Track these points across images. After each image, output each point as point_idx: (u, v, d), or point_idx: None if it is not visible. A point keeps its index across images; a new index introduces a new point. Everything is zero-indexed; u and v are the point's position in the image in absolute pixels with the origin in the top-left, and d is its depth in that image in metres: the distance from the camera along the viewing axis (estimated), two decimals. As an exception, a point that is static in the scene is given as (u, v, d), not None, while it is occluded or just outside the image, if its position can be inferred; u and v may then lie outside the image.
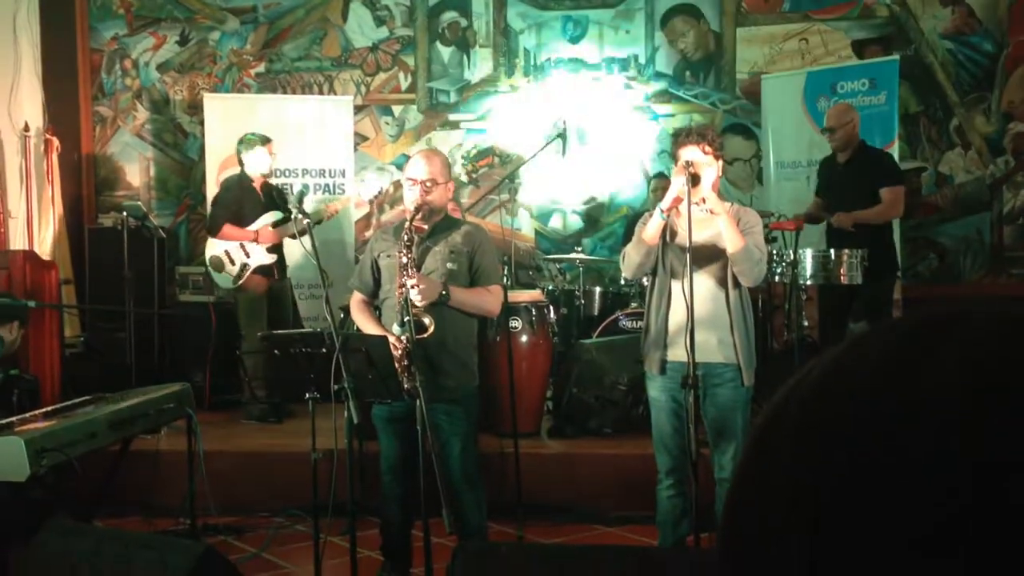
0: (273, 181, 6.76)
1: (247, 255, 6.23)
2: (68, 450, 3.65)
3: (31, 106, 7.91)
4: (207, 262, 6.35)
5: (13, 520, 3.84)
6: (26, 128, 7.72)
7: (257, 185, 6.33)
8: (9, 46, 7.69)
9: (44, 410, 4.24)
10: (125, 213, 6.71)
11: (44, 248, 7.45)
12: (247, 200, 6.31)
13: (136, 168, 8.24)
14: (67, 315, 6.96)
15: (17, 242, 7.48)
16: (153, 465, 5.25)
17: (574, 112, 7.86)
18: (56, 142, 7.79)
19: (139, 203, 6.32)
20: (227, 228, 6.24)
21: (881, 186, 5.74)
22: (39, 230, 7.59)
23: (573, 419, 5.66)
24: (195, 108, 8.06)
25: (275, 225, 6.24)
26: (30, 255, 6.78)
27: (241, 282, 6.25)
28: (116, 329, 6.72)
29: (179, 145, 8.24)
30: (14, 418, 3.99)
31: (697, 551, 3.66)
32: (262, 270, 6.26)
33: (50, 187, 7.70)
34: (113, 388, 5.19)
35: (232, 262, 6.25)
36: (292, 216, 4.13)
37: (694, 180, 3.69)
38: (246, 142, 6.27)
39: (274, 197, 6.40)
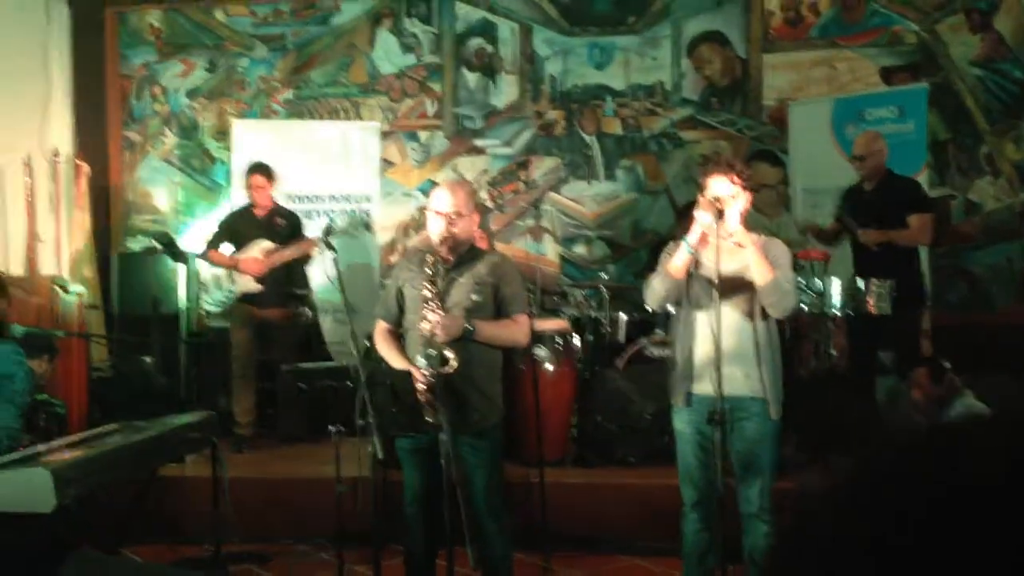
0: (295, 206, 6.81)
1: (233, 282, 6.25)
2: (93, 481, 3.66)
3: (61, 132, 7.98)
4: (200, 284, 6.42)
5: (37, 552, 3.85)
6: (56, 154, 7.80)
7: (260, 212, 6.35)
8: (40, 72, 7.78)
9: (70, 439, 4.26)
10: (152, 240, 6.78)
11: (74, 274, 7.50)
12: (241, 227, 6.36)
13: (164, 192, 8.32)
14: (94, 341, 7.01)
15: (47, 267, 7.54)
16: (179, 491, 5.26)
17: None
18: (86, 167, 7.86)
19: (166, 229, 6.38)
20: (213, 253, 6.33)
21: (909, 213, 5.70)
22: (68, 255, 7.65)
23: (598, 448, 5.63)
24: (223, 134, 8.12)
25: (268, 254, 6.24)
26: (59, 281, 6.86)
27: (224, 308, 6.29)
28: (143, 354, 6.76)
29: (207, 170, 8.30)
30: (40, 447, 4.01)
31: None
32: (247, 298, 6.26)
33: (79, 212, 7.76)
34: (139, 412, 5.22)
35: (219, 287, 6.29)
36: (319, 250, 4.13)
37: (720, 215, 3.67)
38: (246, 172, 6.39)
39: (274, 226, 6.37)
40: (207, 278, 6.34)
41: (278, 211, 6.47)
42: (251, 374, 6.29)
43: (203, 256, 6.41)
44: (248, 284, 6.22)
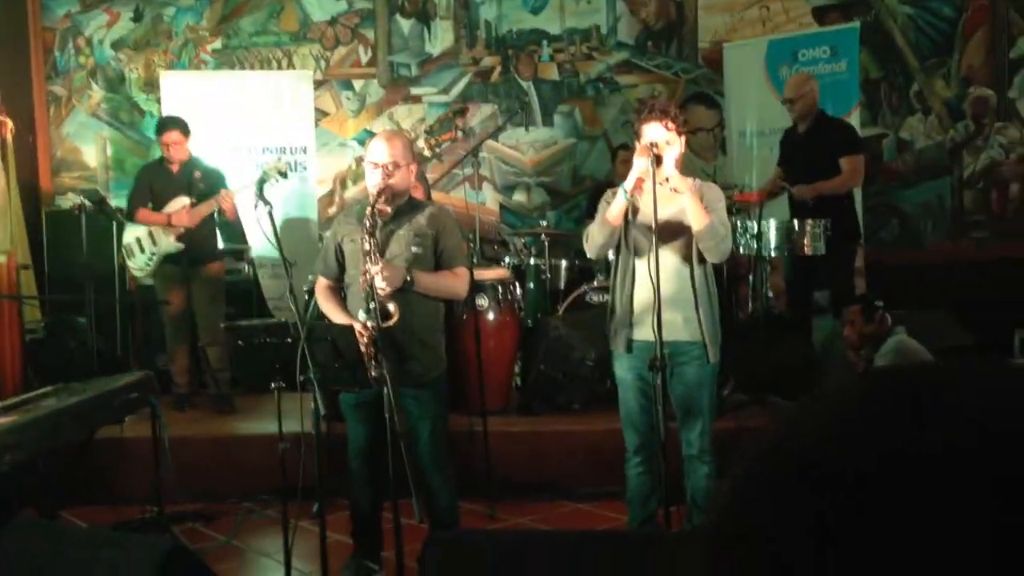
0: (228, 159, 6.66)
1: (154, 243, 6.12)
2: (31, 446, 3.61)
3: (-18, 87, 7.74)
4: (122, 248, 6.23)
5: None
6: (-23, 110, 7.56)
7: (175, 168, 6.17)
8: (-43, 26, 7.52)
9: (4, 403, 4.19)
10: (82, 198, 6.60)
11: (2, 234, 7.31)
12: (157, 183, 6.18)
13: (93, 148, 8.11)
14: (26, 302, 6.87)
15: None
16: (118, 453, 5.20)
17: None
18: (9, 123, 7.61)
19: (96, 187, 6.21)
20: (141, 212, 6.13)
21: (841, 155, 5.77)
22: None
23: (541, 396, 5.67)
24: (151, 86, 7.92)
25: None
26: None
27: (150, 270, 6.16)
28: (77, 314, 6.63)
29: (136, 124, 8.10)
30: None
31: (669, 534, 3.69)
32: (170, 258, 6.14)
33: (4, 169, 7.55)
34: (75, 373, 5.14)
35: (142, 250, 6.14)
36: (253, 204, 4.04)
37: (657, 160, 3.67)
38: (157, 127, 6.22)
39: (192, 181, 6.12)
40: (129, 242, 6.14)
41: (195, 165, 6.21)
42: (184, 334, 6.19)
43: (130, 217, 6.20)
44: (170, 244, 6.06)
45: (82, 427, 4.09)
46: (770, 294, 6.04)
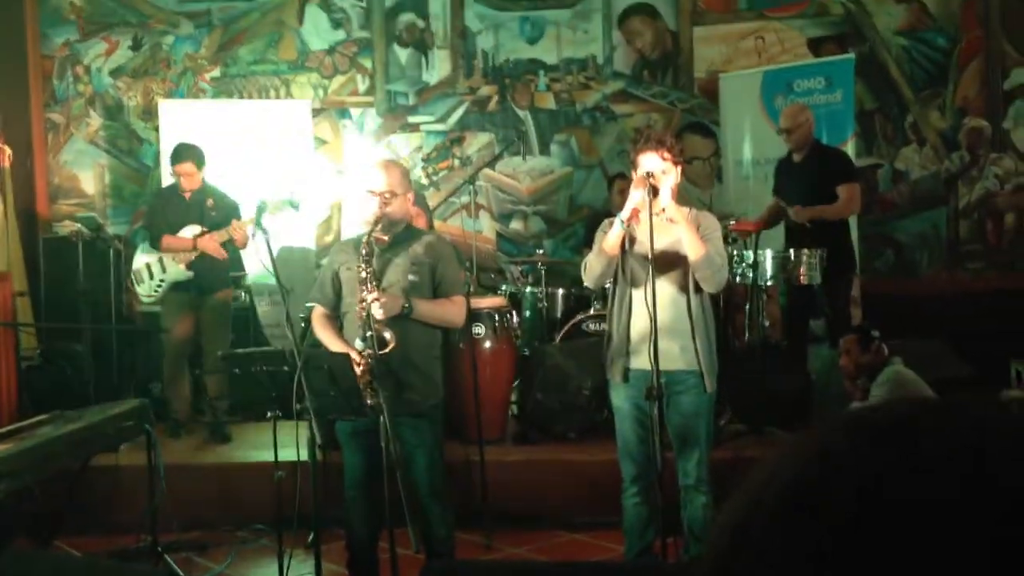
0: (225, 188, 6.66)
1: (163, 270, 6.11)
2: (26, 474, 3.60)
3: (-19, 114, 7.76)
4: (131, 274, 6.22)
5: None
6: (-24, 137, 7.58)
7: (187, 196, 6.15)
8: (-43, 53, 7.56)
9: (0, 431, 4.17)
10: (80, 225, 6.61)
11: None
12: (168, 210, 6.17)
13: (91, 176, 8.11)
14: (23, 329, 6.85)
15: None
16: (113, 481, 5.17)
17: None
18: (8, 150, 7.63)
19: (94, 214, 6.22)
20: (166, 239, 6.11)
21: (837, 184, 5.80)
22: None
23: (538, 425, 5.66)
24: (150, 114, 7.95)
25: (196, 238, 6.08)
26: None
27: (158, 296, 6.14)
28: (73, 341, 6.63)
29: (134, 152, 8.12)
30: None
31: (666, 565, 3.68)
32: (178, 286, 6.13)
33: (2, 196, 7.55)
34: (71, 401, 5.13)
35: (151, 276, 6.13)
36: (251, 232, 4.06)
37: (653, 191, 3.69)
38: (172, 156, 6.18)
39: (204, 209, 6.15)
40: (139, 267, 6.13)
41: (207, 193, 6.23)
42: (184, 362, 6.18)
43: (154, 244, 6.16)
44: (179, 272, 6.05)
45: (77, 455, 4.08)
46: (766, 323, 6.05)
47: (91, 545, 4.79)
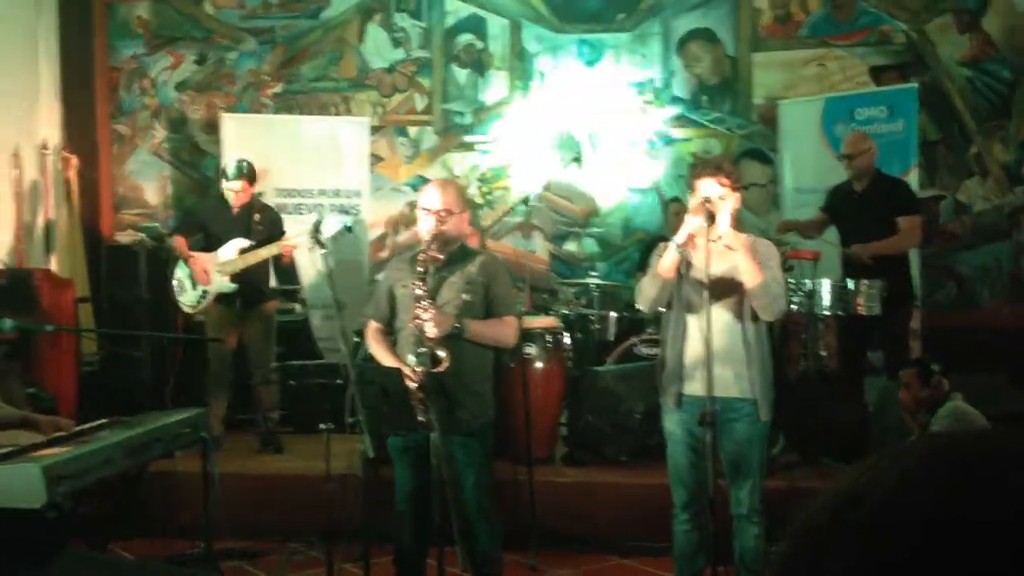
0: (284, 201, 6.74)
1: (208, 281, 6.17)
2: (85, 477, 3.64)
3: (50, 124, 7.95)
4: (174, 283, 6.25)
5: (25, 549, 3.84)
6: (44, 146, 7.77)
7: (235, 210, 6.23)
8: (29, 63, 7.75)
9: (59, 434, 4.24)
10: (142, 235, 6.74)
11: (62, 267, 7.48)
12: (214, 222, 6.24)
13: (154, 186, 8.28)
14: (84, 335, 6.99)
15: (35, 260, 7.51)
16: (169, 486, 5.24)
17: (588, 128, 7.93)
18: (74, 160, 7.82)
19: (156, 224, 6.33)
20: (178, 239, 6.18)
21: (898, 215, 5.73)
22: (56, 248, 7.62)
23: (588, 446, 5.64)
24: (212, 127, 8.08)
25: (243, 252, 6.16)
26: (48, 273, 6.83)
27: (199, 309, 6.19)
28: (133, 348, 6.74)
29: (196, 164, 8.27)
30: (28, 443, 3.99)
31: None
32: (223, 298, 6.17)
33: (68, 205, 7.74)
34: (128, 407, 5.20)
35: (193, 287, 6.18)
36: (309, 247, 4.11)
37: (710, 217, 3.68)
38: (226, 172, 6.26)
39: (251, 224, 6.22)
40: (181, 276, 6.19)
41: (256, 207, 6.30)
42: (225, 380, 6.22)
43: (168, 236, 6.31)
44: (224, 284, 6.10)
45: (134, 460, 4.12)
46: (823, 353, 5.97)
47: (145, 549, 4.85)
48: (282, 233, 6.18)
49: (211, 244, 6.18)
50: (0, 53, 7.38)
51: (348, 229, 5.50)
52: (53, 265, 7.44)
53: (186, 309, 6.21)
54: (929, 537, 0.53)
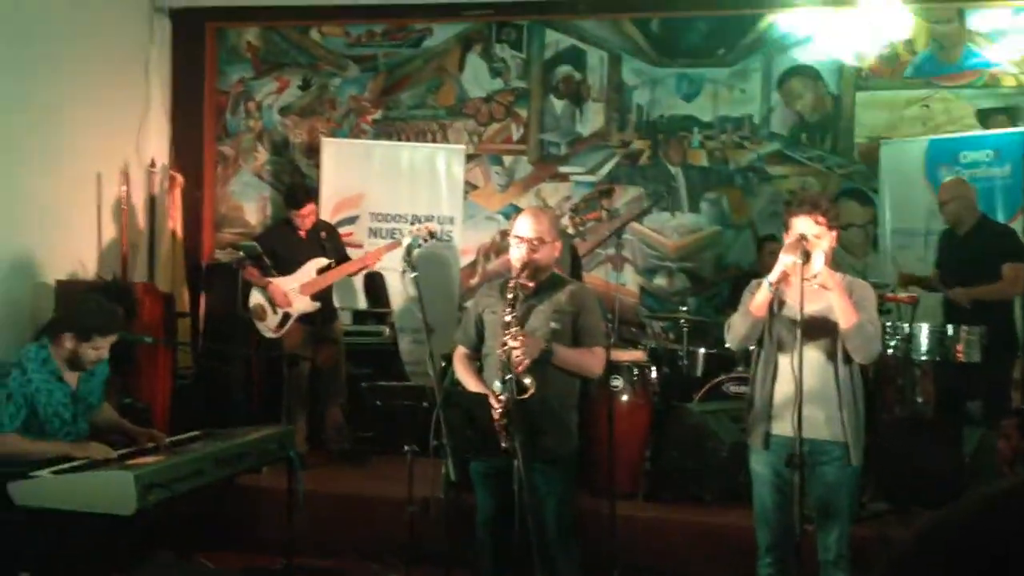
0: (379, 225, 6.87)
1: (289, 304, 6.27)
2: (175, 486, 3.74)
3: (158, 143, 8.24)
4: (250, 310, 6.35)
5: (117, 553, 3.94)
6: (152, 164, 8.04)
7: (303, 233, 6.41)
8: (141, 85, 8.05)
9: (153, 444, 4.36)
10: (241, 252, 6.90)
11: (163, 281, 7.71)
12: (283, 247, 6.39)
13: (253, 207, 8.49)
14: (180, 348, 7.17)
15: (138, 274, 7.76)
16: (254, 501, 5.34)
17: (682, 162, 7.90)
18: (180, 179, 8.08)
19: (254, 243, 6.49)
20: (250, 270, 6.31)
21: (1002, 262, 5.57)
22: (159, 263, 7.86)
23: (672, 483, 5.56)
24: (313, 151, 8.27)
25: (320, 271, 6.29)
26: (149, 287, 7.04)
27: (282, 332, 6.28)
28: (226, 363, 6.89)
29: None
30: (124, 451, 4.11)
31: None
32: (305, 318, 6.29)
33: (172, 222, 7.98)
34: (218, 421, 5.32)
35: (274, 311, 6.29)
36: (401, 270, 4.17)
37: (805, 256, 3.61)
38: (294, 199, 6.42)
39: (323, 242, 6.42)
40: (258, 302, 6.30)
41: (320, 227, 6.53)
42: (306, 398, 6.33)
43: (239, 268, 6.45)
44: (307, 304, 6.25)
45: (223, 473, 4.21)
46: (919, 399, 5.81)
47: (228, 561, 4.93)
48: (343, 247, 6.40)
49: (281, 269, 6.32)
50: (114, 74, 7.68)
51: (432, 235, 5.61)
52: (155, 280, 7.67)
53: (268, 334, 6.32)
54: (997, 568, 0.55)
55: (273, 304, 6.25)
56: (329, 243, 6.44)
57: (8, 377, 4.08)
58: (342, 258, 6.47)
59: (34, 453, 3.89)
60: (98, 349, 4.19)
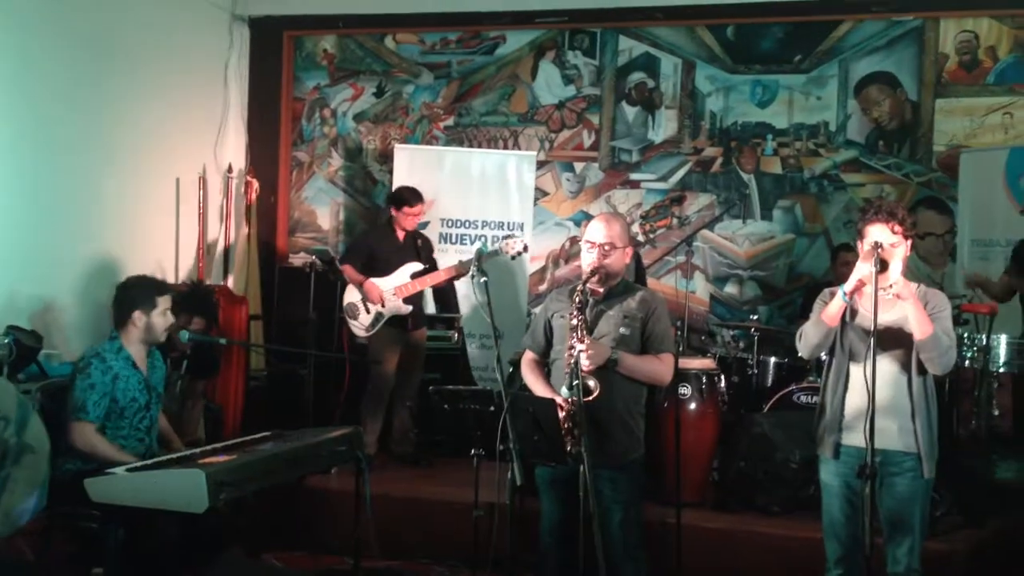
0: (450, 231, 6.93)
1: (383, 304, 6.33)
2: (245, 485, 3.79)
3: (236, 148, 8.41)
4: (343, 308, 6.45)
5: (187, 551, 4.02)
6: (229, 169, 8.21)
7: (401, 235, 6.48)
8: (220, 92, 8.23)
9: (226, 443, 4.44)
10: (313, 257, 7.02)
11: (238, 285, 7.86)
12: (382, 248, 6.45)
13: (327, 212, 8.61)
14: (253, 350, 7.31)
15: (214, 277, 7.93)
16: (323, 503, 5.41)
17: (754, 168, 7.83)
18: (255, 184, 8.24)
19: (327, 248, 6.59)
20: (347, 267, 6.39)
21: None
22: (234, 266, 8.02)
23: (739, 493, 5.50)
24: (385, 157, 8.36)
25: (414, 276, 6.34)
26: (224, 290, 7.19)
27: (374, 332, 6.35)
28: (298, 365, 7.00)
29: (368, 192, 8.56)
30: (197, 449, 4.19)
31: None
32: (395, 321, 6.35)
33: (247, 226, 8.14)
34: (290, 421, 5.41)
35: (367, 310, 6.36)
36: (463, 271, 4.20)
37: (883, 265, 3.55)
38: (405, 198, 6.47)
39: (418, 248, 6.51)
40: (353, 301, 6.41)
41: (416, 233, 6.61)
42: (383, 400, 6.40)
43: (339, 264, 6.57)
44: (399, 306, 6.32)
45: (292, 473, 4.27)
46: (996, 412, 5.66)
47: (296, 561, 5.00)
48: (429, 260, 6.52)
49: (377, 269, 6.38)
50: (194, 81, 7.86)
51: (519, 254, 5.65)
52: (230, 283, 7.82)
53: (360, 333, 6.39)
54: None
55: (367, 303, 6.33)
56: (422, 251, 6.52)
57: (89, 367, 4.23)
58: (432, 267, 6.55)
59: (116, 461, 4.02)
60: (164, 314, 4.41)
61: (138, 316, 4.35)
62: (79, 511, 3.93)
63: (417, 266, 6.40)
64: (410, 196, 6.48)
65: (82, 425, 4.15)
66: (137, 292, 4.43)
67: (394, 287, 6.32)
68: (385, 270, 6.38)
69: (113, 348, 4.34)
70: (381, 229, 6.76)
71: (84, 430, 4.15)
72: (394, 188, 6.96)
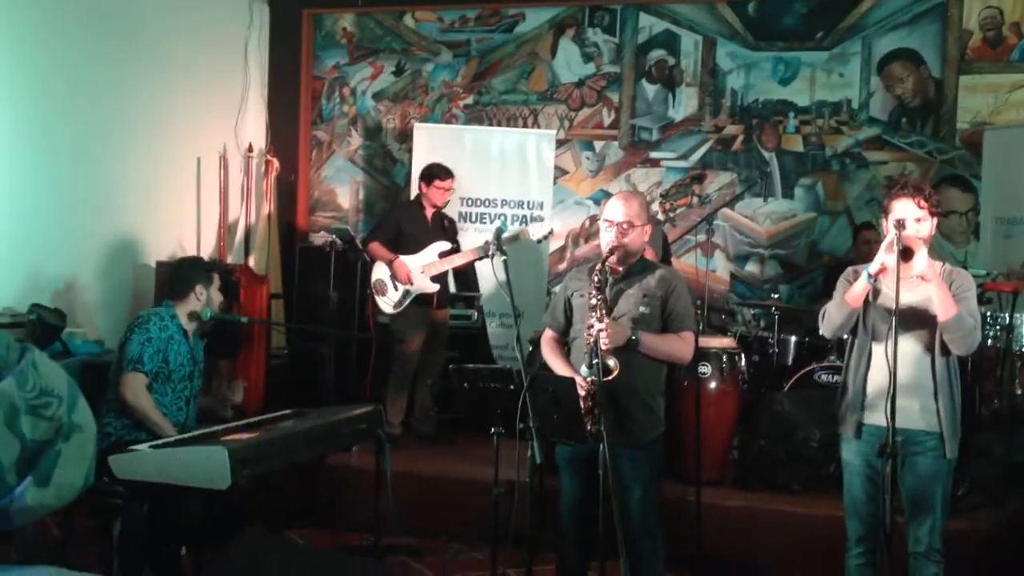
0: (469, 209, 6.91)
1: (411, 282, 6.33)
2: (267, 462, 3.82)
3: (256, 128, 8.43)
4: (371, 285, 6.45)
5: (210, 526, 4.06)
6: (250, 149, 8.23)
7: (428, 213, 6.48)
8: (239, 71, 8.23)
9: (247, 421, 4.47)
10: (334, 236, 7.02)
11: (259, 264, 7.89)
12: (409, 225, 6.45)
13: (346, 191, 8.63)
14: (275, 328, 7.34)
15: (235, 256, 7.96)
16: (343, 481, 5.44)
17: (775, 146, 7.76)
18: (276, 163, 8.25)
19: (347, 227, 6.60)
20: (375, 245, 6.38)
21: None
22: (255, 246, 8.05)
23: (759, 472, 5.49)
24: (405, 136, 8.36)
25: (442, 255, 6.34)
26: (245, 269, 7.22)
27: (401, 309, 6.35)
28: (319, 344, 7.02)
29: (388, 171, 8.56)
30: (219, 427, 4.22)
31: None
32: (419, 299, 6.35)
33: (267, 205, 8.16)
34: (311, 399, 5.44)
35: (395, 288, 6.36)
36: (488, 253, 4.20)
37: (906, 255, 3.51)
38: (436, 172, 6.46)
39: (445, 227, 6.52)
40: (381, 277, 6.41)
41: (442, 213, 6.60)
42: (408, 378, 6.42)
43: (364, 242, 6.57)
44: (427, 284, 6.32)
45: (313, 451, 4.29)
46: (1019, 391, 5.62)
47: (316, 538, 5.04)
48: (455, 239, 6.51)
49: (404, 247, 6.38)
50: (214, 60, 7.87)
51: (538, 241, 5.64)
52: (251, 262, 7.86)
53: (388, 310, 6.38)
54: None
55: (395, 280, 6.34)
56: (448, 231, 6.54)
57: (148, 323, 4.39)
58: (457, 248, 6.54)
59: (155, 423, 4.24)
60: (219, 290, 4.66)
61: (200, 290, 4.54)
62: (103, 487, 3.97)
63: (445, 245, 6.39)
64: (440, 171, 6.48)
65: (136, 376, 4.27)
66: (197, 268, 4.68)
67: (422, 265, 6.32)
68: (414, 248, 6.37)
69: (168, 314, 4.49)
70: (409, 207, 6.75)
71: (137, 381, 4.27)
72: (421, 166, 6.97)
